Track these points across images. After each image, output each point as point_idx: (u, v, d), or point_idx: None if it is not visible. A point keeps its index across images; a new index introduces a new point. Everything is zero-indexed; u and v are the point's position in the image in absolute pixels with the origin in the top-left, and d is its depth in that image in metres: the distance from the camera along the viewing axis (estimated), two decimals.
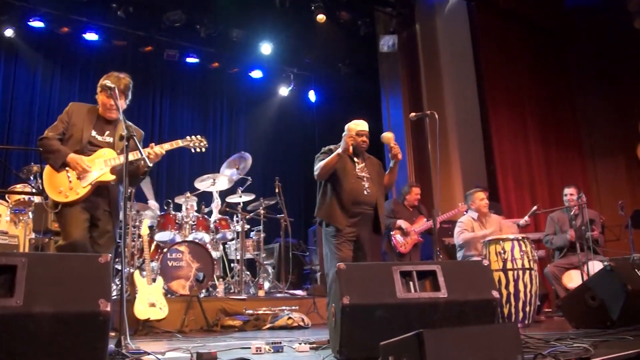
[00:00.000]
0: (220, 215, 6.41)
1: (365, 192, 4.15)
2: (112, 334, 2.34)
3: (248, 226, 6.62)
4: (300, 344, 3.04)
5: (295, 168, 9.45)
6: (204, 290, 5.51)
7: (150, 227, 5.77)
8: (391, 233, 5.99)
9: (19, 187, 5.33)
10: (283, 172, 7.67)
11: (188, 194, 6.09)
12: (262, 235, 6.72)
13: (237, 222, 6.42)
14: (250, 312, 5.15)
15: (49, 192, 3.33)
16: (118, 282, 5.10)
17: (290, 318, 4.96)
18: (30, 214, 5.25)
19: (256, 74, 9.63)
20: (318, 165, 4.18)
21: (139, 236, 5.50)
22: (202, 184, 6.40)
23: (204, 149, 3.93)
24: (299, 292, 6.44)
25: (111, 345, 2.49)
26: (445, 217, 6.22)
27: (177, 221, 5.90)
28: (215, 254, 6.04)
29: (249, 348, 2.98)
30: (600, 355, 2.25)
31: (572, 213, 5.74)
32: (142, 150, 3.24)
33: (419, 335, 1.75)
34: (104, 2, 7.69)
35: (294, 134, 10.13)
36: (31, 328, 2.00)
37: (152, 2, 7.97)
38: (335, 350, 2.57)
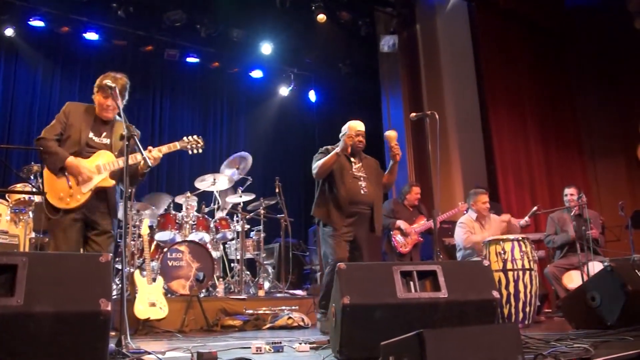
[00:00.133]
0: (221, 215, 6.42)
1: (362, 192, 4.16)
2: (112, 333, 2.34)
3: (248, 226, 6.62)
4: (300, 343, 3.04)
5: (295, 168, 9.45)
6: (204, 290, 5.51)
7: (151, 227, 5.77)
8: (391, 233, 5.99)
9: (19, 186, 5.33)
10: (283, 172, 7.67)
11: (188, 194, 6.09)
12: (262, 235, 6.72)
13: (237, 222, 6.42)
14: (250, 312, 5.15)
15: (49, 196, 3.30)
16: (118, 282, 5.11)
17: (290, 318, 4.96)
18: (30, 213, 5.24)
19: (256, 73, 9.62)
20: (316, 164, 4.20)
21: (139, 236, 5.50)
22: (203, 183, 6.41)
23: (201, 150, 3.89)
24: (299, 292, 6.44)
25: (111, 345, 2.48)
26: (445, 217, 6.22)
27: (177, 221, 5.90)
28: (215, 254, 6.05)
29: (249, 348, 2.98)
30: (601, 356, 2.25)
31: (572, 213, 5.74)
32: (142, 150, 3.23)
33: (419, 335, 1.75)
34: (104, 1, 7.68)
35: (294, 134, 10.13)
36: (32, 328, 2.00)
37: (152, 2, 7.96)
38: (336, 350, 2.57)
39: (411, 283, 2.57)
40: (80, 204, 3.33)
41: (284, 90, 10.07)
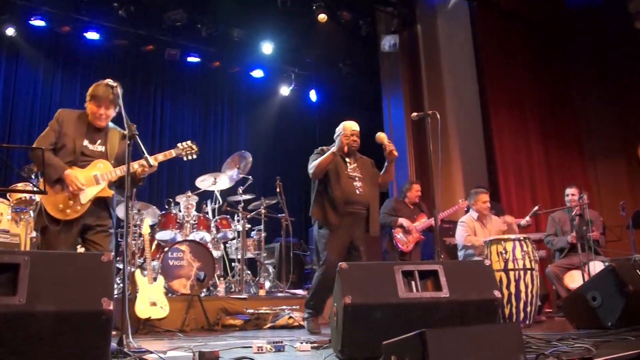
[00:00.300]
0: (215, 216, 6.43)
1: (357, 192, 4.17)
2: (114, 332, 2.34)
3: (249, 226, 6.62)
4: (301, 343, 3.04)
5: (296, 168, 9.41)
6: (204, 290, 5.51)
7: (152, 226, 5.77)
8: (393, 231, 5.99)
9: (20, 185, 5.33)
10: (284, 171, 7.66)
11: (189, 193, 6.09)
12: (263, 234, 6.72)
13: (238, 221, 6.42)
14: (251, 311, 5.15)
15: (47, 208, 3.28)
16: (118, 281, 5.11)
17: (291, 317, 4.96)
18: (31, 212, 5.24)
19: (257, 73, 9.62)
20: (313, 164, 4.21)
21: (140, 235, 5.50)
22: (203, 183, 6.41)
23: (195, 156, 3.84)
24: (300, 292, 6.43)
25: (113, 344, 2.49)
26: (446, 214, 6.22)
27: (178, 220, 5.90)
28: (216, 253, 6.05)
29: (251, 347, 2.98)
30: (602, 356, 2.25)
31: (573, 213, 5.74)
32: (144, 149, 3.24)
33: (421, 335, 1.75)
34: (105, 1, 7.69)
35: (294, 134, 10.13)
36: (34, 327, 2.00)
37: (153, 2, 7.96)
38: (337, 350, 2.57)
39: (413, 283, 2.57)
40: (80, 215, 3.33)
41: (284, 90, 10.07)
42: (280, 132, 10.04)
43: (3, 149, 6.93)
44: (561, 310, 4.74)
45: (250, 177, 6.75)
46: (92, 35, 8.01)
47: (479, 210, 5.47)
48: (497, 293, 2.60)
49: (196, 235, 5.95)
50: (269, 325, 4.98)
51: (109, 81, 3.32)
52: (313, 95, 10.37)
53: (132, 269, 4.92)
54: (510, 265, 4.41)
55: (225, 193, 6.75)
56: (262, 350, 2.90)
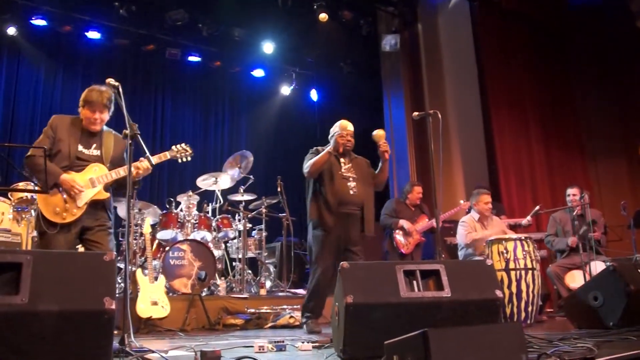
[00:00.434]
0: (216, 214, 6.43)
1: (351, 192, 4.16)
2: (115, 332, 2.34)
3: (250, 225, 6.62)
4: (303, 342, 3.04)
5: (296, 167, 9.35)
6: (205, 289, 5.51)
7: (153, 226, 5.78)
8: (393, 233, 5.99)
9: (21, 184, 5.33)
10: (285, 171, 7.65)
11: (190, 193, 6.10)
12: (264, 234, 6.72)
13: (239, 220, 6.43)
14: (252, 310, 5.15)
15: (44, 211, 3.31)
16: (119, 281, 5.11)
17: (292, 317, 4.96)
18: (32, 212, 5.25)
19: (258, 72, 9.62)
20: (308, 164, 4.21)
21: (141, 234, 5.50)
22: (204, 182, 6.41)
23: (190, 158, 3.89)
24: (301, 291, 6.43)
25: (115, 343, 2.49)
26: (447, 216, 6.22)
27: (179, 220, 5.90)
28: (217, 253, 6.05)
29: (252, 347, 2.98)
30: (604, 356, 2.25)
31: (574, 213, 5.74)
32: (146, 152, 3.25)
33: (424, 334, 1.75)
34: (106, 0, 7.70)
35: (295, 133, 10.13)
36: (36, 326, 2.01)
37: (154, 1, 7.97)
38: (339, 349, 2.57)
39: (414, 282, 2.57)
40: (77, 218, 3.36)
41: (285, 90, 10.07)
42: (281, 132, 10.04)
43: (4, 148, 6.91)
44: (562, 310, 4.74)
45: (251, 176, 6.75)
46: (93, 34, 8.01)
47: (480, 211, 5.47)
48: (498, 293, 2.60)
49: (197, 235, 5.95)
50: (270, 324, 4.98)
51: (111, 81, 3.32)
52: (314, 95, 10.38)
53: (133, 269, 4.93)
54: (512, 265, 4.41)
55: (226, 192, 6.75)
56: (263, 349, 2.90)
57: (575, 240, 5.49)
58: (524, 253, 4.44)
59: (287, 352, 2.93)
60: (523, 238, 4.55)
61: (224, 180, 6.47)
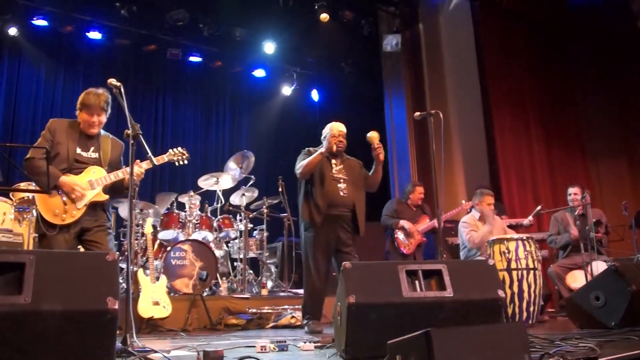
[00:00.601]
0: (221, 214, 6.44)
1: (341, 194, 4.16)
2: (117, 332, 2.34)
3: (251, 225, 6.62)
4: (305, 342, 3.04)
5: None
6: (207, 289, 5.52)
7: (154, 226, 5.78)
8: (394, 233, 5.99)
9: (23, 185, 5.33)
10: (286, 171, 7.66)
11: (191, 193, 6.10)
12: (265, 234, 6.72)
13: (240, 220, 6.43)
14: (254, 310, 5.15)
15: (43, 213, 3.34)
16: (121, 281, 5.11)
17: (293, 317, 4.96)
18: (34, 212, 5.24)
19: (259, 73, 9.63)
20: (300, 165, 4.21)
21: (143, 234, 5.50)
22: (206, 182, 6.42)
23: (186, 162, 3.97)
24: (302, 291, 6.43)
25: (117, 343, 2.49)
26: (448, 216, 6.22)
27: (180, 220, 5.91)
28: (218, 253, 6.05)
29: (254, 347, 2.98)
30: (606, 355, 2.25)
31: (576, 213, 5.73)
32: (148, 152, 3.27)
33: (426, 334, 1.75)
34: (107, 1, 7.70)
35: (296, 133, 10.12)
36: (39, 326, 2.01)
37: (155, 1, 7.97)
38: (341, 349, 2.57)
39: (416, 282, 2.57)
40: (76, 220, 3.39)
41: (286, 90, 10.07)
42: (282, 132, 10.04)
43: (6, 148, 6.91)
44: (564, 310, 4.74)
45: (252, 176, 6.75)
46: (94, 35, 8.02)
47: (482, 211, 5.46)
48: (501, 292, 2.60)
49: (198, 235, 5.96)
50: (271, 324, 4.99)
51: (112, 81, 3.32)
52: (315, 95, 10.38)
53: (135, 269, 4.93)
54: (513, 265, 4.40)
55: (227, 192, 6.76)
56: (265, 349, 2.90)
57: (577, 231, 5.48)
58: (526, 253, 4.43)
59: (289, 352, 2.92)
60: (525, 238, 4.54)
61: (225, 180, 6.47)
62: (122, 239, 6.17)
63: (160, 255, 5.55)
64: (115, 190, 3.60)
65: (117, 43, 8.29)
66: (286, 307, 5.24)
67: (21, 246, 5.01)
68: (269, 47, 9.04)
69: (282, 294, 6.18)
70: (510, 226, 6.23)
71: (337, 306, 2.71)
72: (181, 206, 6.20)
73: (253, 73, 9.62)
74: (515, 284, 4.37)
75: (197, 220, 5.99)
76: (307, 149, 4.40)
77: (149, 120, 8.70)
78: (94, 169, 3.51)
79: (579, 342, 2.65)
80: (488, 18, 8.22)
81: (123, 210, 5.96)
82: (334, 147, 4.23)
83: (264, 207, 6.62)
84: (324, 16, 8.09)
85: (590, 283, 4.02)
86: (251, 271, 6.47)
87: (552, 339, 2.79)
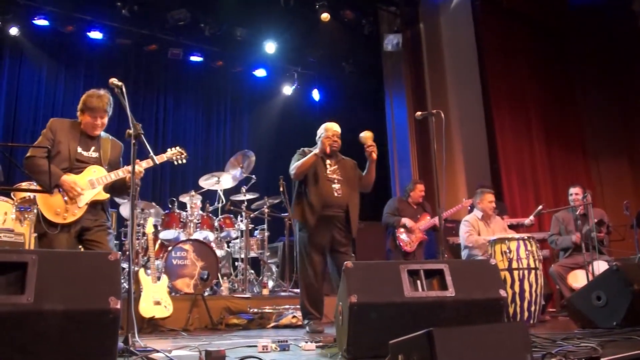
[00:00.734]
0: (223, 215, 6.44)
1: (335, 194, 4.17)
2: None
3: (252, 225, 6.62)
4: (306, 342, 3.04)
5: None
6: (208, 289, 5.52)
7: (155, 226, 5.78)
8: (396, 231, 5.99)
9: (24, 184, 5.33)
10: (287, 171, 7.66)
11: (193, 193, 6.10)
12: (266, 234, 6.72)
13: (242, 220, 6.43)
14: (255, 310, 5.15)
15: (45, 212, 3.35)
16: (122, 280, 5.12)
17: (294, 317, 4.96)
18: (35, 211, 5.24)
19: (260, 72, 9.62)
20: (294, 165, 4.22)
21: (144, 234, 5.51)
22: (207, 182, 6.42)
23: (185, 161, 4.00)
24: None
25: (120, 343, 2.49)
26: (449, 214, 6.21)
27: (181, 220, 5.91)
28: (219, 252, 6.06)
29: (255, 346, 2.98)
30: (608, 355, 2.24)
31: (577, 213, 5.73)
32: (150, 151, 3.28)
33: (429, 334, 1.75)
34: (108, 0, 7.70)
35: (297, 133, 10.08)
36: (41, 325, 2.01)
37: (156, 1, 7.96)
38: (342, 349, 2.57)
39: (418, 282, 2.57)
40: (77, 219, 3.40)
41: (287, 89, 10.06)
42: (283, 132, 10.02)
43: (7, 148, 6.92)
44: (565, 310, 4.73)
45: (253, 176, 6.75)
46: (95, 34, 8.01)
47: (484, 210, 5.47)
48: (502, 292, 2.60)
49: (200, 235, 5.96)
50: (272, 324, 4.99)
51: (114, 80, 3.32)
52: (316, 95, 10.37)
53: (136, 268, 4.93)
54: (514, 265, 4.40)
55: (228, 192, 6.76)
56: (267, 349, 2.90)
57: (580, 237, 5.48)
58: (527, 253, 4.43)
59: (291, 351, 2.93)
60: (526, 238, 4.54)
61: (226, 180, 6.47)
62: (123, 238, 6.18)
63: (161, 255, 5.55)
64: (116, 189, 3.63)
65: (118, 43, 8.29)
66: (287, 306, 5.24)
67: (23, 246, 5.01)
68: (270, 47, 9.03)
69: (283, 293, 6.18)
70: (511, 226, 6.24)
71: (338, 306, 2.71)
72: (182, 206, 6.21)
73: (254, 73, 9.61)
74: (517, 283, 4.37)
75: (198, 220, 5.99)
76: (301, 149, 4.41)
77: (150, 120, 8.69)
78: (95, 169, 3.52)
79: (581, 342, 2.65)
80: (489, 18, 8.22)
81: (124, 209, 5.96)
82: (328, 148, 4.23)
83: (265, 206, 6.62)
84: (325, 16, 8.09)
85: (591, 283, 4.02)
86: (252, 271, 6.47)
87: (553, 338, 2.79)
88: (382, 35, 8.84)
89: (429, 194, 6.28)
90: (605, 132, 8.56)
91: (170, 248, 5.45)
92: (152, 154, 3.30)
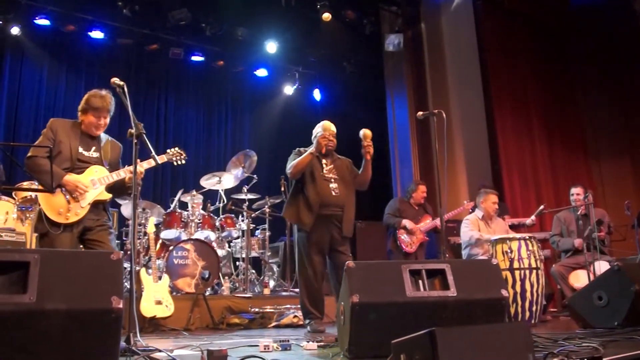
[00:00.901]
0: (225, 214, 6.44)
1: (332, 194, 4.17)
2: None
3: (253, 225, 6.62)
4: (308, 342, 3.04)
5: None
6: (209, 288, 5.52)
7: (156, 225, 5.78)
8: (397, 232, 5.99)
9: (25, 184, 5.33)
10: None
11: (194, 192, 6.11)
12: (268, 233, 6.73)
13: (243, 220, 6.43)
14: (256, 310, 5.16)
15: (47, 212, 3.35)
16: (124, 280, 5.12)
17: (296, 316, 4.96)
18: (36, 211, 5.25)
19: (261, 72, 9.62)
20: (291, 165, 4.22)
21: (145, 234, 5.51)
22: (208, 182, 6.42)
23: (184, 162, 4.02)
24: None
25: (122, 342, 2.49)
26: (450, 215, 6.21)
27: (182, 219, 5.92)
28: (220, 252, 6.06)
29: (257, 346, 2.98)
30: (610, 355, 2.24)
31: (578, 213, 5.73)
32: (152, 151, 3.28)
33: (431, 334, 1.75)
34: (109, 0, 7.70)
35: (298, 133, 10.01)
36: (43, 325, 2.01)
37: (157, 1, 7.97)
38: (344, 349, 2.57)
39: (420, 282, 2.57)
40: (79, 219, 3.41)
41: (288, 89, 10.06)
42: (284, 131, 10.02)
43: (8, 148, 6.92)
44: (566, 310, 4.73)
45: (254, 176, 6.75)
46: (96, 34, 8.01)
47: (486, 210, 5.47)
48: (504, 292, 2.60)
49: (201, 234, 5.96)
50: (273, 324, 4.99)
51: (116, 80, 3.32)
52: (317, 95, 10.37)
53: (138, 268, 4.93)
54: (516, 265, 4.41)
55: (229, 192, 6.76)
56: (268, 349, 2.89)
57: (581, 242, 5.48)
58: (528, 252, 4.43)
59: (292, 351, 2.92)
60: (527, 238, 4.55)
61: (228, 179, 6.47)
62: (124, 238, 6.18)
63: (162, 255, 5.55)
64: (117, 189, 3.63)
65: (120, 42, 8.29)
66: (288, 306, 5.25)
67: (24, 245, 5.01)
68: (271, 47, 9.03)
69: (284, 293, 6.19)
70: (512, 226, 6.24)
71: (340, 305, 2.71)
72: (184, 205, 6.21)
73: (255, 72, 9.61)
74: (518, 283, 4.37)
75: (199, 220, 6.00)
76: (297, 149, 4.42)
77: (151, 120, 8.70)
78: (96, 168, 3.53)
79: (583, 342, 2.65)
80: (490, 18, 8.22)
81: (126, 209, 5.96)
82: (324, 148, 4.24)
83: (266, 206, 6.63)
84: (326, 16, 8.09)
85: (593, 283, 4.01)
86: (253, 270, 6.47)
87: (555, 338, 2.79)
88: (383, 35, 8.84)
89: (430, 194, 6.28)
90: (607, 132, 8.56)
91: (171, 248, 5.45)
92: (154, 153, 3.31)
